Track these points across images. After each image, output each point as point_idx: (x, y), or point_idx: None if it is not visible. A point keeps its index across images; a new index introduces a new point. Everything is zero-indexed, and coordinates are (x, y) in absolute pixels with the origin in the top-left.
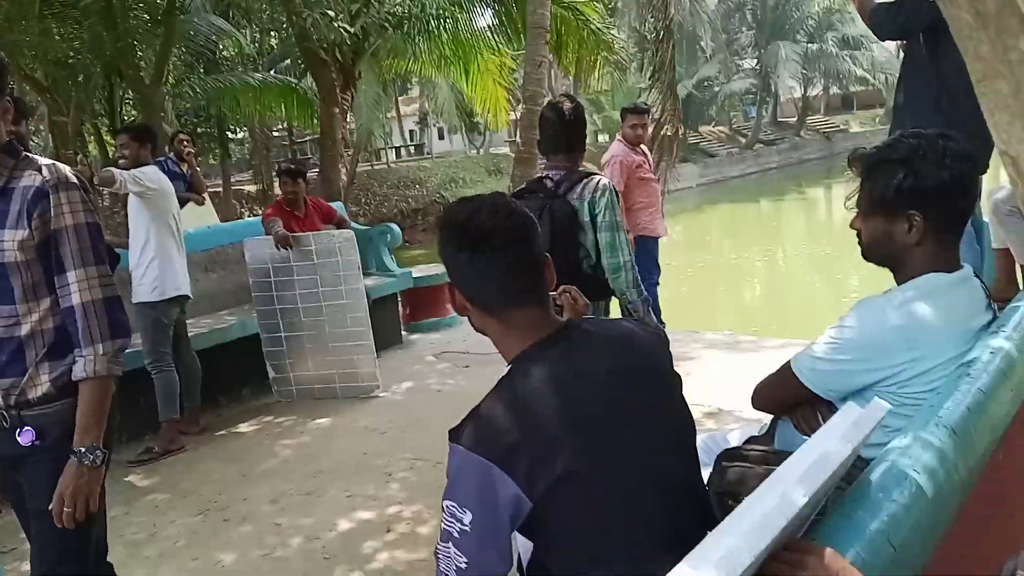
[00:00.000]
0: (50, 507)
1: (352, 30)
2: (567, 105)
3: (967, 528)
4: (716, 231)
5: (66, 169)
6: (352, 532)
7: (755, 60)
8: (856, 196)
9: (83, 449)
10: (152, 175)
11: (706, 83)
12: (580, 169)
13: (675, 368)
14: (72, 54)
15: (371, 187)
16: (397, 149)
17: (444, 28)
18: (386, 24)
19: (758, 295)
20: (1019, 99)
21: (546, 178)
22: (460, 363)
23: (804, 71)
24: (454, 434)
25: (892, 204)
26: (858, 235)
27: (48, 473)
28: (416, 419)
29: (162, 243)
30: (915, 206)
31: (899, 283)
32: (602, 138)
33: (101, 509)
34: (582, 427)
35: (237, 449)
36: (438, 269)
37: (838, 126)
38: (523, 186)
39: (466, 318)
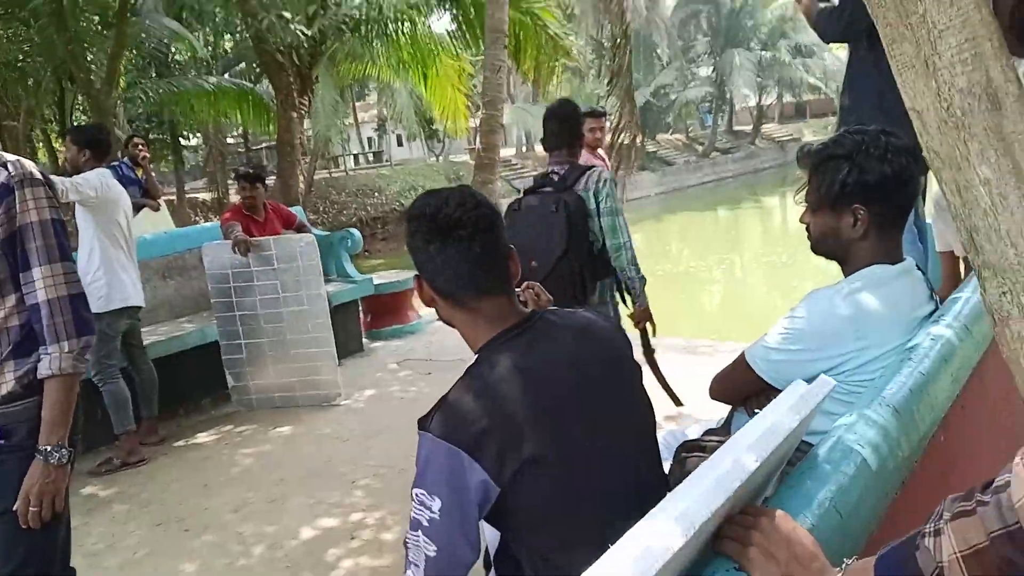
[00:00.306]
0: (15, 507)
1: (309, 33)
2: (565, 107)
3: (910, 503)
4: (675, 239)
5: (31, 165)
6: (316, 540)
7: (711, 68)
8: (804, 192)
9: (49, 447)
10: (94, 181)
11: (663, 91)
12: (580, 163)
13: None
14: (21, 57)
15: (329, 195)
16: (355, 156)
17: (402, 32)
18: (344, 27)
19: (716, 302)
20: (919, 58)
21: (552, 173)
22: (422, 370)
23: (758, 79)
24: (423, 422)
25: (838, 199)
26: (807, 229)
27: (14, 472)
28: (379, 427)
29: (107, 252)
30: (859, 200)
31: (846, 275)
32: None
33: (66, 510)
34: (547, 413)
35: (198, 459)
36: (399, 276)
37: (792, 135)
38: (532, 183)
39: (430, 324)
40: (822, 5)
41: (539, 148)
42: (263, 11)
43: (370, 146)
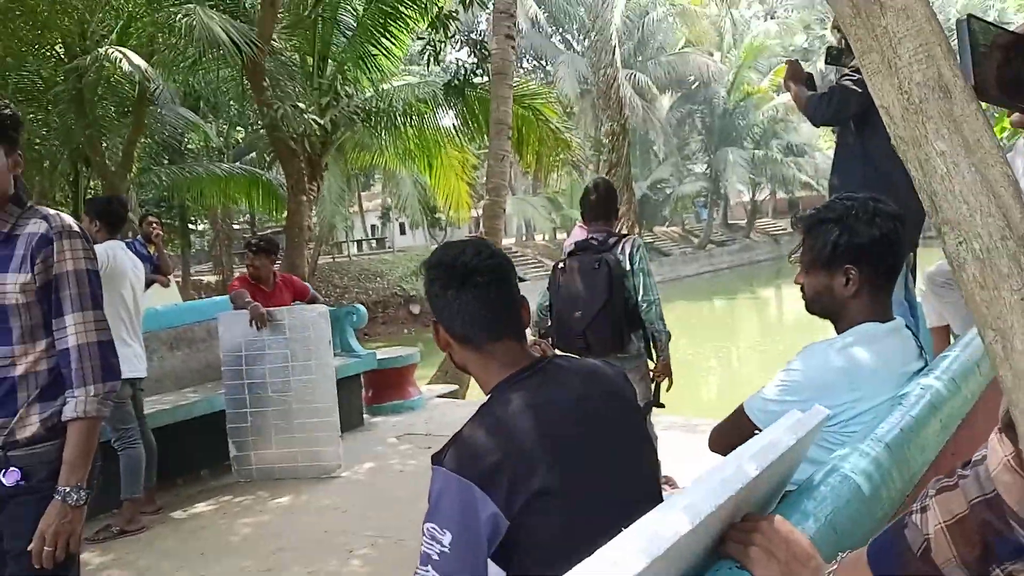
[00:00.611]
0: (30, 547)
1: (322, 122)
2: (605, 184)
3: None
4: (672, 328)
5: (69, 219)
6: None
7: (705, 164)
8: (799, 253)
9: (68, 488)
10: (101, 254)
11: (659, 185)
12: (615, 232)
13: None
14: (39, 140)
15: (332, 278)
16: (359, 242)
17: (410, 124)
18: (355, 117)
19: (713, 389)
20: (884, 62)
21: (592, 239)
22: (422, 444)
23: (752, 176)
24: (436, 457)
25: (830, 259)
26: (802, 289)
27: (31, 514)
28: (378, 498)
29: (110, 325)
30: (850, 261)
31: (839, 332)
32: (560, 235)
33: (78, 554)
34: (556, 448)
35: (195, 528)
36: (402, 352)
37: (786, 229)
38: (573, 247)
39: (430, 400)
40: (810, 93)
41: (538, 238)
42: (278, 102)
43: (374, 233)
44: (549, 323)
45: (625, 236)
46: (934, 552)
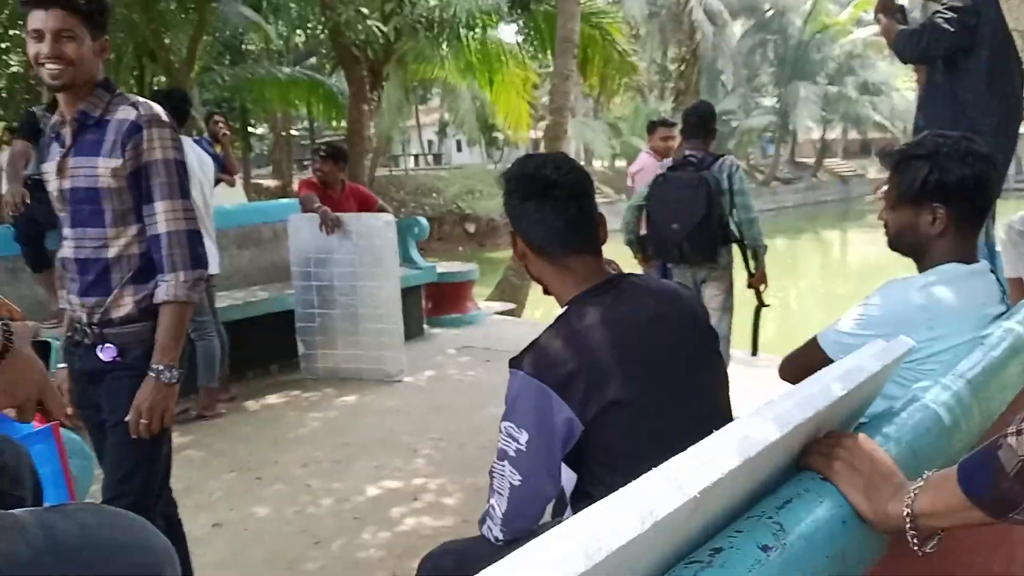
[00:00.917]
0: (127, 418)
1: (385, 29)
2: (705, 106)
3: None
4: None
5: (158, 108)
6: (380, 498)
7: (775, 98)
8: (885, 189)
9: (161, 367)
10: None
11: (725, 116)
12: (711, 152)
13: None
14: None
15: (388, 191)
16: (415, 157)
17: (472, 36)
18: (417, 26)
19: (771, 328)
20: None
21: (690, 157)
22: (481, 357)
23: (823, 113)
24: (514, 362)
25: (917, 196)
26: (885, 226)
27: (127, 389)
28: (439, 404)
29: None
30: (938, 199)
31: (921, 271)
32: (619, 163)
33: (170, 428)
34: (630, 361)
35: (267, 418)
36: (462, 267)
37: (855, 170)
38: (672, 164)
39: (488, 316)
40: (901, 27)
41: (596, 164)
42: (342, 6)
43: (429, 148)
44: (636, 233)
45: (721, 156)
46: None
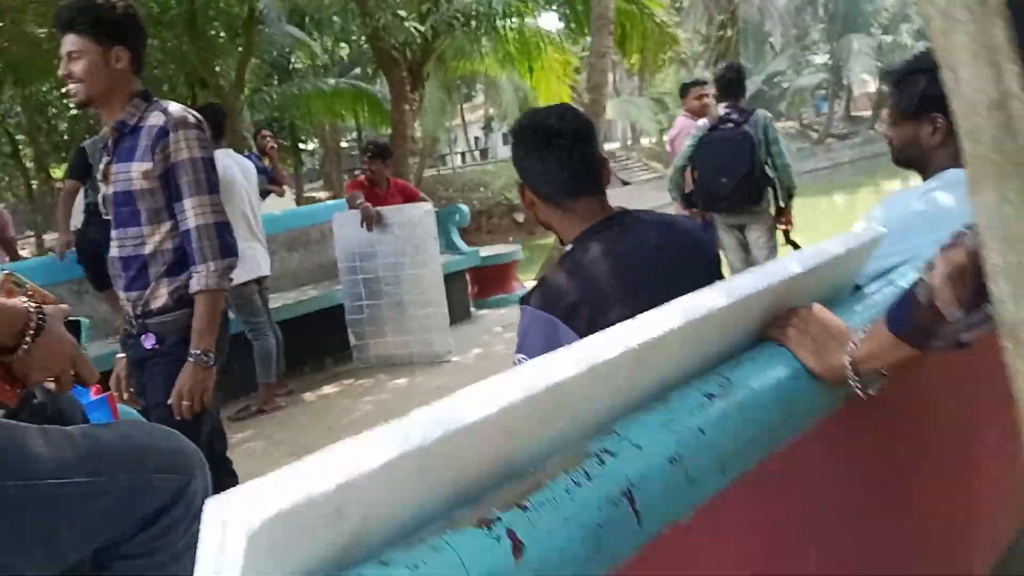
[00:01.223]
0: (168, 400)
1: (422, 29)
2: (735, 67)
3: None
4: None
5: (186, 111)
6: None
7: (826, 55)
8: (889, 109)
9: (198, 352)
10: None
11: (775, 78)
12: (745, 108)
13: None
14: (156, 64)
15: (436, 191)
16: (462, 155)
17: (510, 26)
18: (455, 21)
19: None
20: None
21: (728, 115)
22: None
23: (878, 64)
24: (524, 299)
25: (917, 109)
26: (890, 143)
27: (163, 373)
28: (486, 379)
29: (233, 225)
30: (937, 109)
31: (924, 181)
32: (668, 138)
33: (213, 409)
34: (632, 288)
35: (323, 407)
36: (505, 249)
37: None
38: (714, 122)
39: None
40: None
41: (644, 141)
42: (379, 10)
43: (477, 145)
44: (682, 189)
45: (755, 111)
46: (937, 299)
